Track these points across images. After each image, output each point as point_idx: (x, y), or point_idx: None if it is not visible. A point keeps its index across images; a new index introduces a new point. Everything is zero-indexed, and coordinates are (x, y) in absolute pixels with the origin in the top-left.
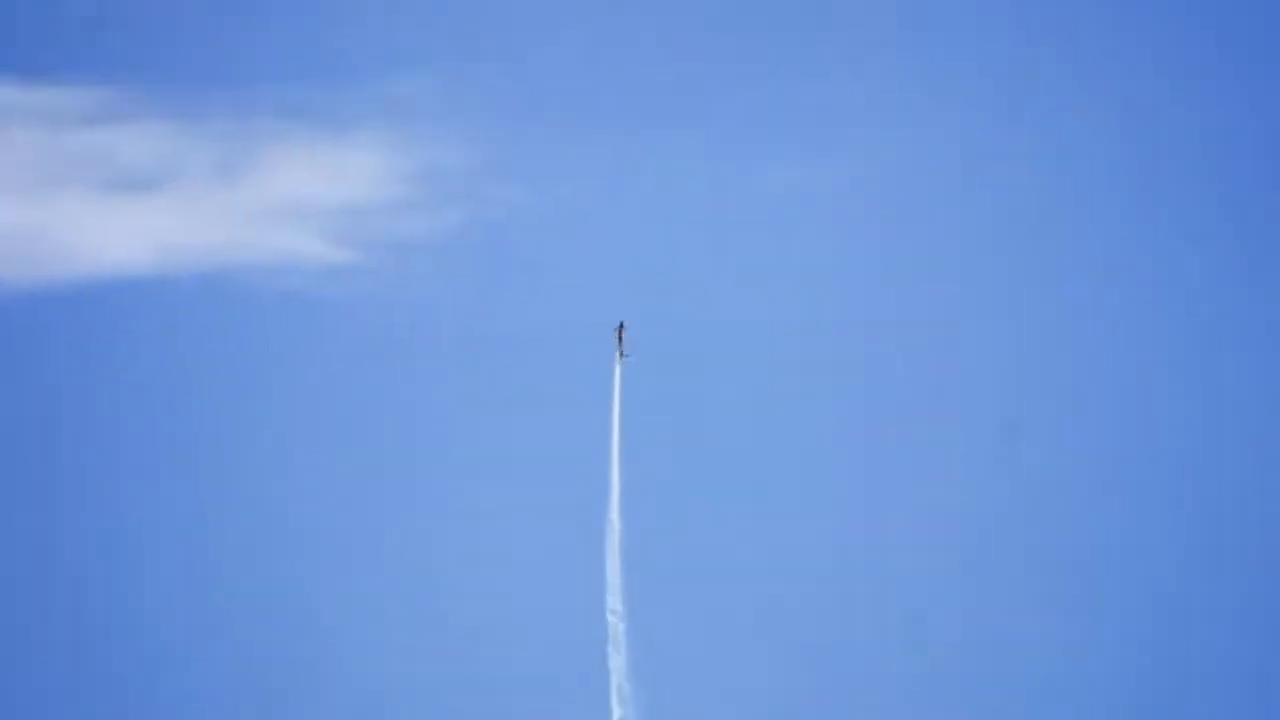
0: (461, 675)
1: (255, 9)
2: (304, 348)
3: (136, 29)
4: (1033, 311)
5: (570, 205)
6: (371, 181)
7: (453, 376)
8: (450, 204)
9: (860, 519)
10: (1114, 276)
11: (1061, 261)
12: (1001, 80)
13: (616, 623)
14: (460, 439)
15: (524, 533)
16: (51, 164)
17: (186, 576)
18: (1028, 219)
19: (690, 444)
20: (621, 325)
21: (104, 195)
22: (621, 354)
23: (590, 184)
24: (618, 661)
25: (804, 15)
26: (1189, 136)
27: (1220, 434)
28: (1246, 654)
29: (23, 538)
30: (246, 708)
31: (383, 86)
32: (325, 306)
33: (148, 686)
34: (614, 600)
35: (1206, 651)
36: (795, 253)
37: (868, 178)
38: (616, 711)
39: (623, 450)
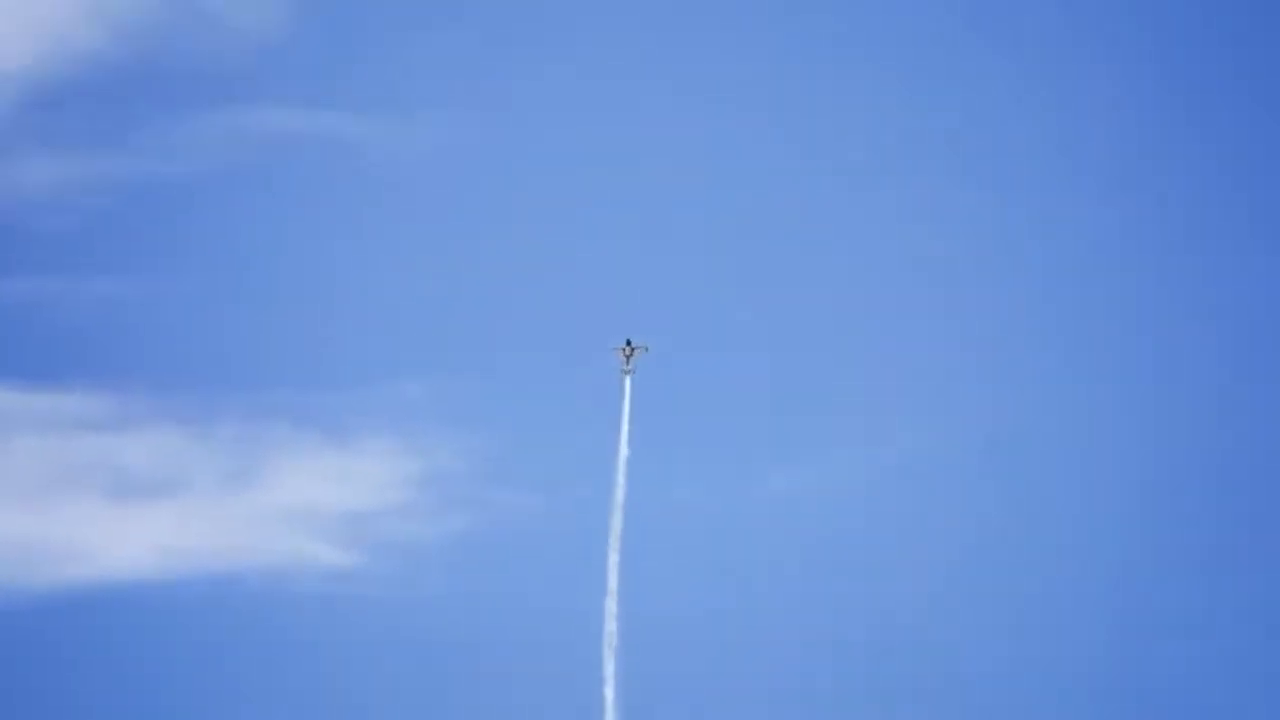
0: None
1: (261, 317)
2: (311, 649)
3: (143, 336)
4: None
5: (572, 509)
6: (378, 487)
7: (458, 675)
8: (454, 508)
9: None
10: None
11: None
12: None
13: None
14: None
15: None
16: (58, 470)
17: None
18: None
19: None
20: (629, 342)
21: (110, 501)
22: (627, 370)
23: (591, 491)
24: None
25: (798, 329)
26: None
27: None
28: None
29: None
30: None
31: (388, 393)
32: (332, 609)
33: None
34: None
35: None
36: (795, 551)
37: (862, 479)
38: None
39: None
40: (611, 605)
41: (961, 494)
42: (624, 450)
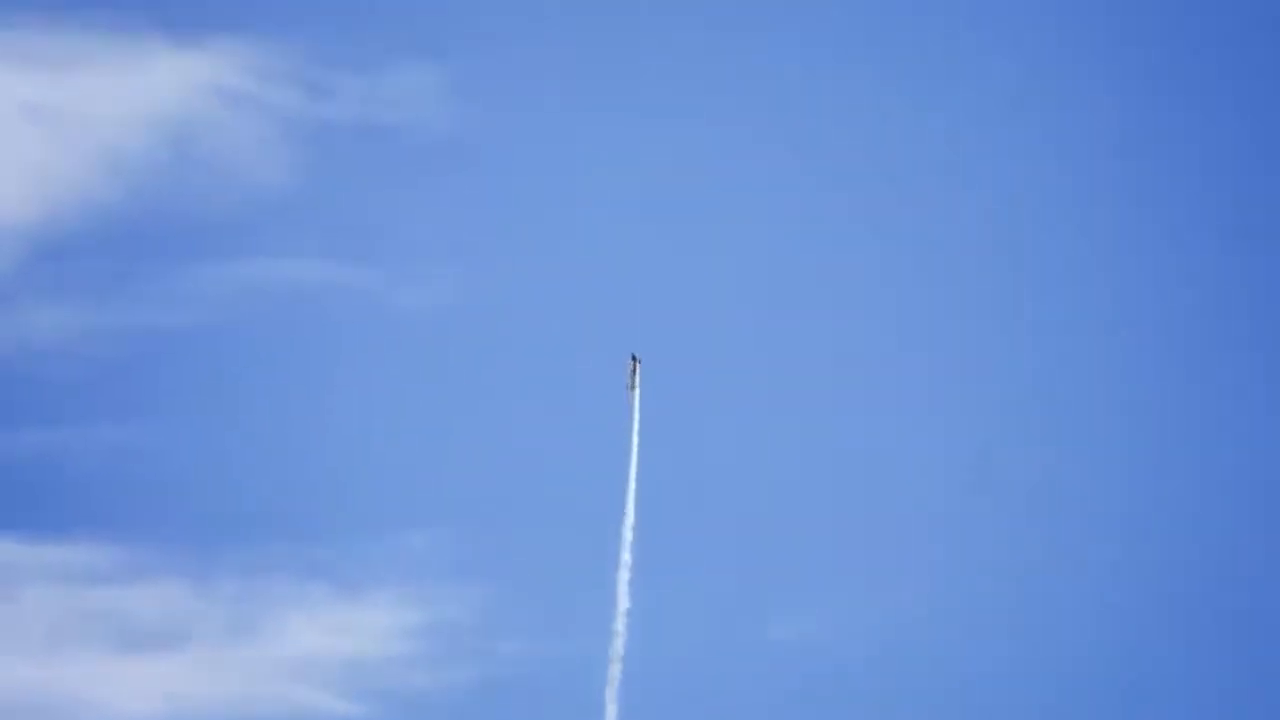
0: None
1: (268, 468)
2: None
3: (149, 486)
4: None
5: (577, 659)
6: (382, 637)
7: None
8: (459, 659)
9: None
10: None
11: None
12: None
13: None
14: None
15: None
16: (63, 622)
17: None
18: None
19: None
20: (635, 358)
21: (115, 653)
22: (632, 385)
23: (596, 641)
24: None
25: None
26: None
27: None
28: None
29: None
30: None
31: (394, 545)
32: None
33: None
34: None
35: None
36: (797, 705)
37: (869, 629)
38: None
39: None
40: None
41: (973, 647)
42: (624, 602)
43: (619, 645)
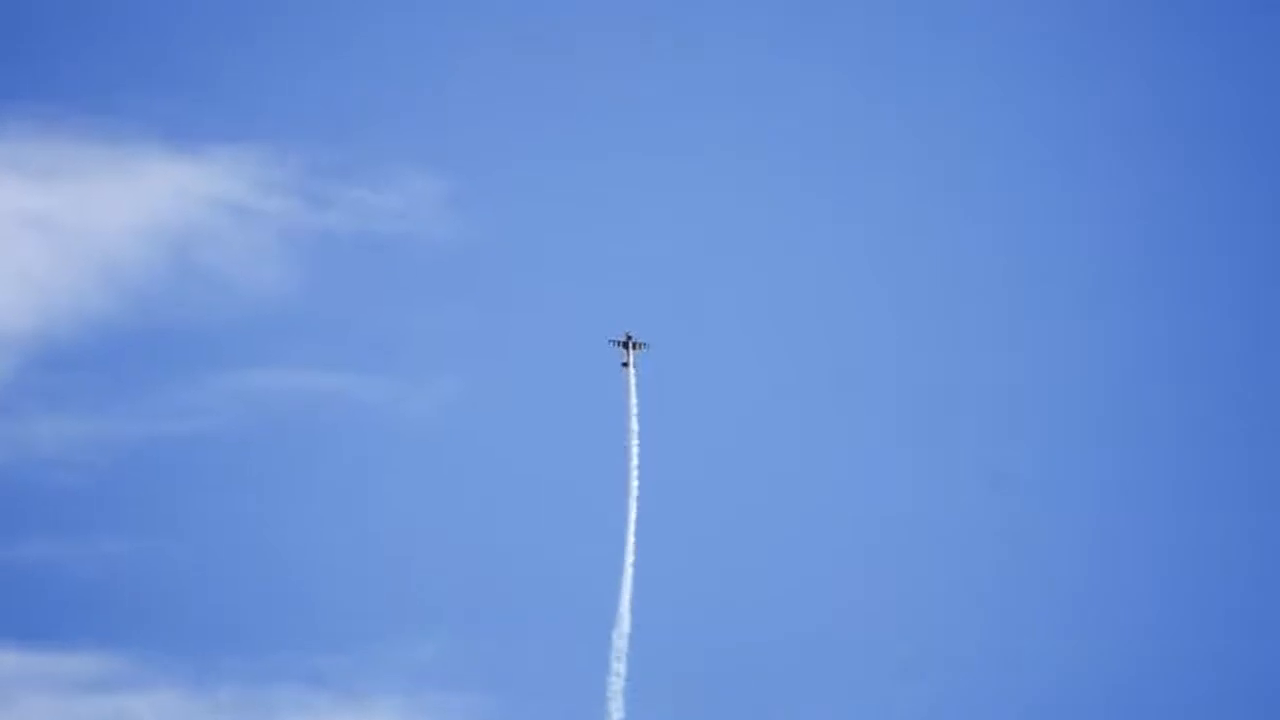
0: None
1: (270, 578)
2: None
3: (151, 596)
4: None
5: None
6: None
7: None
8: None
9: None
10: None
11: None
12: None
13: None
14: None
15: None
16: None
17: None
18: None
19: None
20: (630, 338)
21: None
22: (627, 363)
23: None
24: None
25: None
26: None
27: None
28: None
29: None
30: None
31: (398, 652)
32: None
33: None
34: None
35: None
36: None
37: None
38: None
39: None
40: None
41: None
42: (617, 714)
43: None
